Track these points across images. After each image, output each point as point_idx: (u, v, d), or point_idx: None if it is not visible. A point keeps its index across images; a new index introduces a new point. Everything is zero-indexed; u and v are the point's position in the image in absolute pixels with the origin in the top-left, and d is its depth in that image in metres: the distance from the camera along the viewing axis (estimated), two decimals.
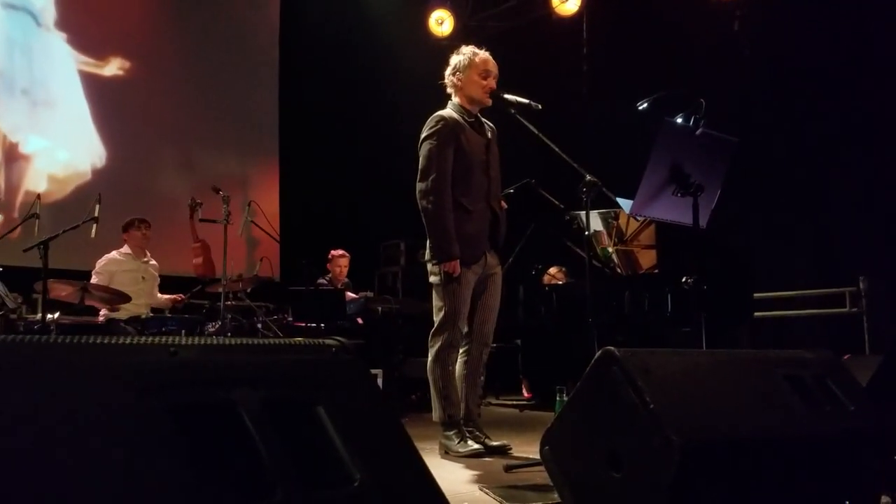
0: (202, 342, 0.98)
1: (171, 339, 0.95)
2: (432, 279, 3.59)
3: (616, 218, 5.60)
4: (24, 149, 7.08)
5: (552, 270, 6.39)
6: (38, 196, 5.25)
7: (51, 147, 7.25)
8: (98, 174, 7.41)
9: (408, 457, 1.07)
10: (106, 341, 0.88)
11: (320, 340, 1.14)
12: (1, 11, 7.07)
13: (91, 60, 7.54)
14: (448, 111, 3.65)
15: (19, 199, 7.00)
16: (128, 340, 0.91)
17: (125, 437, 0.81)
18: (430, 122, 3.62)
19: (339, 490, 0.96)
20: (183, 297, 5.78)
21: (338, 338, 1.18)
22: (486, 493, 2.58)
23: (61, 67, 7.38)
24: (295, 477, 0.90)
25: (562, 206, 5.26)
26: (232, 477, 0.89)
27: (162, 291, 5.85)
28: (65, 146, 7.34)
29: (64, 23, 7.42)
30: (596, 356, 1.89)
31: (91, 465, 0.76)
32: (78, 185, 7.30)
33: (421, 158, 3.60)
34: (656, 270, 5.44)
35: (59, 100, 7.35)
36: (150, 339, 0.95)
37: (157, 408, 0.84)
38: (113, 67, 7.63)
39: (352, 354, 1.13)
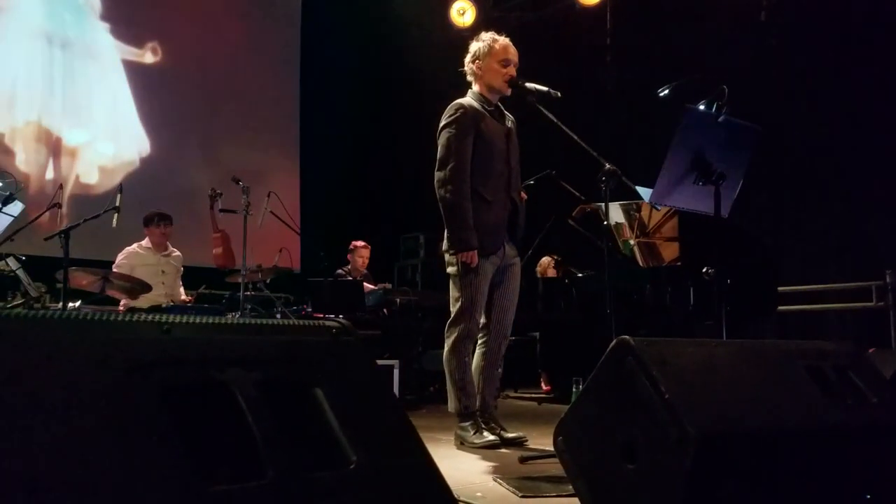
0: (198, 321, 0.97)
1: (165, 316, 0.93)
2: (450, 269, 3.56)
3: (638, 210, 5.53)
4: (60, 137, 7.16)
5: (544, 261, 6.28)
6: (61, 186, 5.31)
7: (76, 137, 7.32)
8: (120, 164, 7.48)
9: (407, 440, 1.05)
10: (97, 317, 0.87)
11: (321, 322, 1.13)
12: None
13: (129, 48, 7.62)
14: (468, 99, 3.61)
15: (44, 186, 7.07)
16: (120, 317, 0.90)
17: (113, 415, 0.79)
18: (450, 110, 3.58)
19: (335, 471, 0.94)
20: (190, 299, 5.80)
21: (340, 319, 1.16)
22: (501, 485, 2.56)
23: (93, 58, 7.45)
24: (288, 457, 0.89)
25: (582, 198, 5.21)
26: (223, 456, 0.88)
27: (182, 281, 5.88)
28: (94, 136, 7.40)
29: (100, 13, 7.50)
30: (611, 346, 1.86)
31: (77, 443, 0.75)
32: (100, 175, 7.37)
33: (440, 147, 3.56)
34: (679, 263, 5.36)
35: (83, 90, 7.42)
36: (143, 316, 0.93)
37: (147, 385, 0.83)
38: (133, 57, 7.68)
39: (353, 336, 1.11)
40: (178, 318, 0.94)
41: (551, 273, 6.20)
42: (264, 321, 1.03)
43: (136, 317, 0.92)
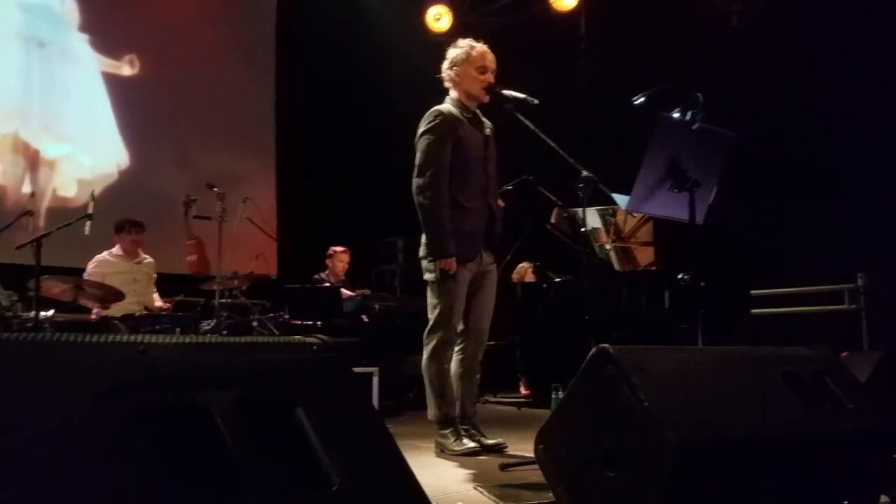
0: (174, 340, 0.95)
1: (141, 337, 0.91)
2: (427, 276, 3.55)
3: (614, 215, 5.57)
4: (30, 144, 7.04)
5: (521, 267, 6.27)
6: (32, 193, 5.23)
7: (54, 149, 7.20)
8: (98, 176, 7.36)
9: (390, 459, 1.04)
10: (68, 339, 0.85)
11: (301, 338, 1.11)
12: None
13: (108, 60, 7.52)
14: (446, 106, 3.60)
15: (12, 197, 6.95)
16: (93, 338, 0.87)
17: (84, 443, 0.77)
18: (428, 116, 3.56)
19: (317, 494, 0.93)
20: (168, 306, 5.69)
21: (320, 336, 1.14)
22: (481, 492, 2.55)
23: (71, 70, 7.34)
24: (270, 481, 0.87)
25: (560, 203, 5.24)
26: (203, 482, 0.86)
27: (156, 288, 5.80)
28: (72, 149, 7.28)
29: (78, 25, 7.41)
30: (590, 354, 1.86)
31: (47, 471, 0.73)
32: (78, 188, 7.24)
33: (418, 153, 3.55)
34: (654, 267, 5.40)
35: (61, 102, 7.30)
36: (118, 337, 0.91)
37: (120, 410, 0.81)
38: (106, 65, 7.58)
39: (334, 352, 1.10)
40: (153, 339, 0.92)
41: (530, 278, 6.21)
42: (242, 340, 1.01)
43: (110, 338, 0.90)
